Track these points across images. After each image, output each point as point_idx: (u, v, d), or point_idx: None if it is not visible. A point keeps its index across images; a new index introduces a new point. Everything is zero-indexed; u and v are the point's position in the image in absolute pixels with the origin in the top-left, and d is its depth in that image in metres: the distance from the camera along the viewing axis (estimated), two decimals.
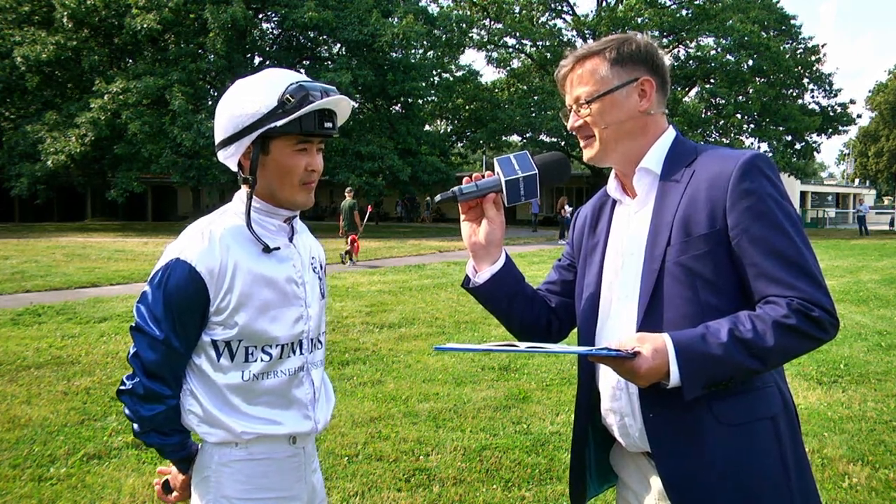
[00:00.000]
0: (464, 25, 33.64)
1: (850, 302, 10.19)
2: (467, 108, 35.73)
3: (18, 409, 4.88)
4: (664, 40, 34.39)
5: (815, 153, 37.09)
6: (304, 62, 30.33)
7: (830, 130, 36.38)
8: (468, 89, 34.88)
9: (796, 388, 5.51)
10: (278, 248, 1.63)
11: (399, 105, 32.15)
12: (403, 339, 7.39)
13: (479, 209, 1.63)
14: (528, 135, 34.93)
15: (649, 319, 1.45)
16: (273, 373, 1.62)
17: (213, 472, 1.60)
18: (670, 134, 1.57)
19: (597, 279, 1.61)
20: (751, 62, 33.65)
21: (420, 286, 11.69)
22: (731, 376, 1.36)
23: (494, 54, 37.92)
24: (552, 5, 37.33)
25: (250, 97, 1.54)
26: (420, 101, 33.12)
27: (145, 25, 24.23)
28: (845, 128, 37.36)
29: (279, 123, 1.51)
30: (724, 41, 33.88)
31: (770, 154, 31.34)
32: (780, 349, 1.33)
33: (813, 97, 37.08)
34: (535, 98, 34.70)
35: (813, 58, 36.01)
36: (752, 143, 35.33)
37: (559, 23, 37.58)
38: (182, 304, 1.53)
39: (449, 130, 39.27)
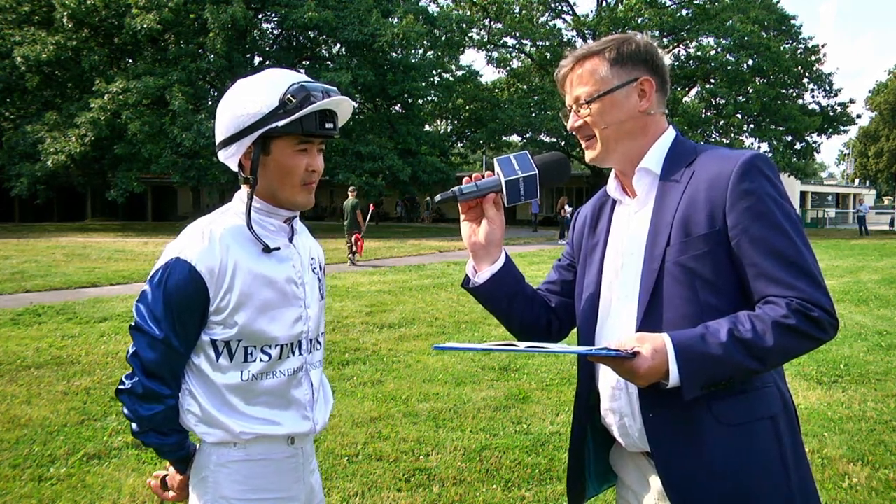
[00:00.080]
0: (464, 25, 33.64)
1: (850, 302, 10.19)
2: (467, 108, 35.74)
3: (18, 409, 4.88)
4: (664, 40, 34.39)
5: (815, 153, 37.08)
6: (304, 62, 30.32)
7: (830, 130, 36.36)
8: (468, 89, 34.89)
9: (796, 388, 5.51)
10: (278, 249, 1.63)
11: (399, 105, 32.15)
12: (403, 339, 7.39)
13: (479, 209, 1.63)
14: (528, 135, 34.94)
15: (649, 319, 1.45)
16: (272, 373, 1.62)
17: (212, 473, 1.60)
18: (670, 134, 1.57)
19: (596, 279, 1.61)
20: (751, 62, 33.64)
21: (420, 286, 11.69)
22: (731, 376, 1.36)
23: (494, 54, 37.95)
24: (552, 5, 37.33)
25: (252, 97, 1.54)
26: (420, 101, 33.13)
27: (145, 25, 24.22)
28: (845, 128, 37.36)
29: (280, 123, 1.51)
30: (724, 41, 33.88)
31: (770, 154, 31.35)
32: (779, 349, 1.33)
33: (813, 97, 37.12)
34: (535, 98, 34.71)
35: (813, 58, 36.00)
36: (752, 143, 35.33)
37: (559, 23, 37.63)
38: (182, 304, 1.53)
39: (449, 130, 39.28)
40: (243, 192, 1.63)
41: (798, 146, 35.70)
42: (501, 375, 5.88)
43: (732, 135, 34.64)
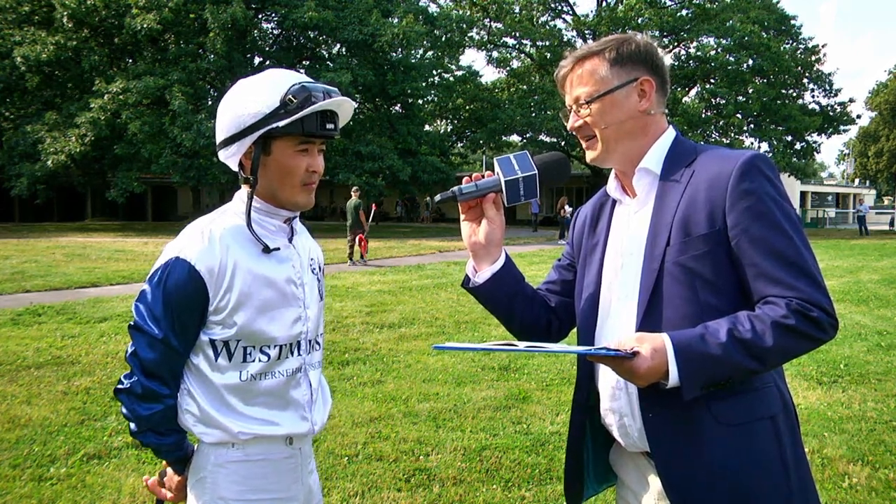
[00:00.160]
0: (464, 25, 33.63)
1: (850, 302, 10.19)
2: (467, 108, 35.74)
3: (18, 409, 4.88)
4: (664, 40, 34.41)
5: (815, 153, 37.09)
6: (304, 62, 30.33)
7: (830, 130, 36.37)
8: (468, 89, 34.89)
9: (796, 388, 5.51)
10: (278, 249, 1.63)
11: (399, 105, 32.16)
12: (403, 339, 7.39)
13: (479, 209, 1.63)
14: (528, 135, 34.94)
15: (649, 319, 1.45)
16: (271, 373, 1.61)
17: (210, 473, 1.59)
18: (670, 134, 1.57)
19: (596, 279, 1.61)
20: (751, 62, 33.64)
21: (420, 286, 11.69)
22: (730, 376, 1.36)
23: (495, 54, 37.96)
24: (552, 5, 37.33)
25: (253, 97, 1.54)
26: (420, 101, 33.13)
27: (145, 25, 24.22)
28: (845, 127, 37.36)
29: (281, 124, 1.51)
30: (724, 41, 33.88)
31: (770, 154, 31.34)
32: (779, 349, 1.33)
33: (813, 97, 37.14)
34: (535, 98, 34.70)
35: (813, 58, 36.01)
36: (752, 143, 35.33)
37: (559, 23, 37.64)
38: (181, 303, 1.53)
39: (449, 130, 39.28)
40: (243, 192, 1.63)
41: (798, 146, 35.70)
42: (501, 375, 5.88)
43: (732, 135, 34.65)
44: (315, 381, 1.72)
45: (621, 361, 1.34)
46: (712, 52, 34.12)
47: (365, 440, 4.33)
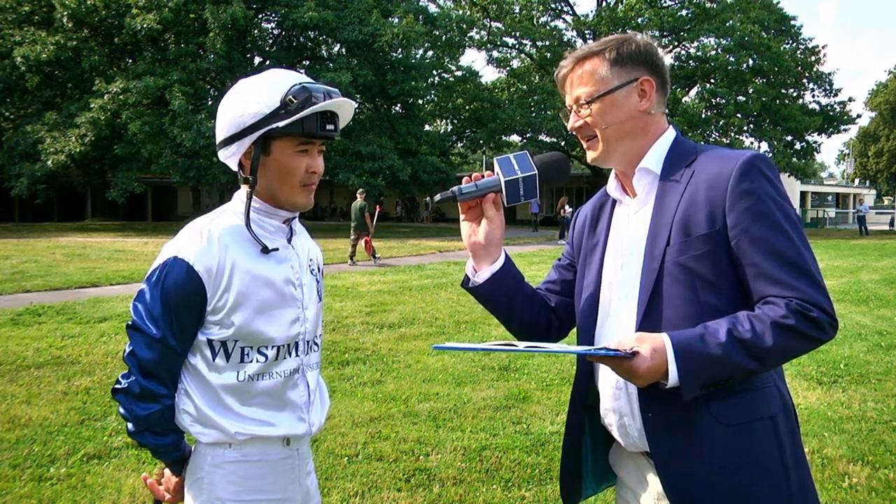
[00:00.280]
0: (464, 25, 33.64)
1: (850, 302, 10.19)
2: (467, 108, 35.73)
3: (18, 409, 4.88)
4: (664, 40, 34.41)
5: (815, 153, 37.10)
6: (304, 62, 30.33)
7: (830, 130, 36.39)
8: (468, 89, 34.88)
9: (796, 388, 5.51)
10: (276, 249, 1.63)
11: (399, 105, 32.15)
12: (403, 339, 7.39)
13: (479, 209, 1.63)
14: (528, 135, 34.93)
15: (649, 319, 1.45)
16: (268, 374, 1.61)
17: (207, 474, 1.59)
18: (670, 134, 1.57)
19: (596, 279, 1.61)
20: (751, 62, 33.64)
21: (420, 286, 11.69)
22: (730, 376, 1.36)
23: (495, 54, 37.96)
24: (552, 5, 37.33)
25: (253, 97, 1.54)
26: (420, 101, 33.12)
27: (145, 25, 24.21)
28: (845, 127, 37.38)
29: (281, 124, 1.51)
30: (724, 41, 33.88)
31: (770, 154, 31.34)
32: (778, 349, 1.33)
33: (813, 96, 37.15)
34: (535, 98, 34.70)
35: (812, 58, 36.03)
36: (752, 143, 35.34)
37: (559, 23, 37.64)
38: (179, 303, 1.52)
39: (449, 130, 39.28)
40: (243, 192, 1.63)
41: (798, 146, 35.71)
42: (501, 375, 5.88)
43: (732, 135, 34.64)
44: (313, 382, 1.72)
45: (621, 361, 1.34)
46: (712, 52, 34.12)
47: (365, 440, 4.33)
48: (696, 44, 35.38)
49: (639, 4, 32.89)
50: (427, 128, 35.44)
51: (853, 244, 24.33)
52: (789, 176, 34.20)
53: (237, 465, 1.59)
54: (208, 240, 1.55)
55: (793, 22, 36.24)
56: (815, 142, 36.39)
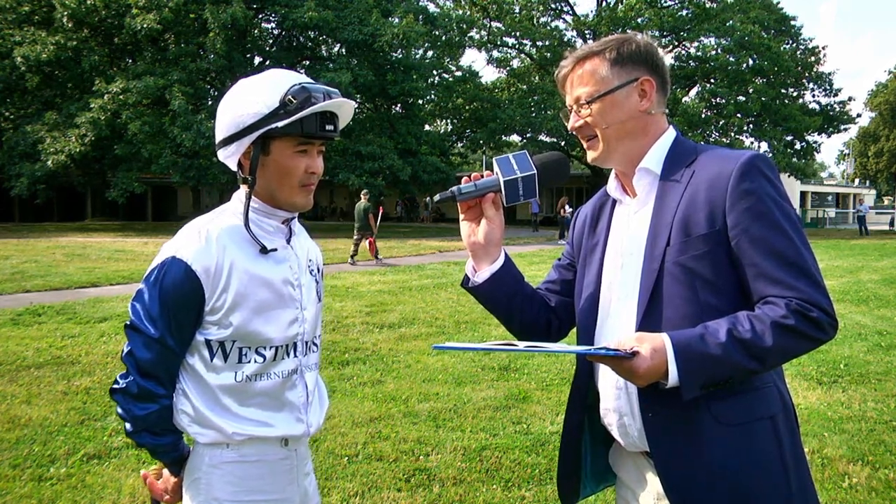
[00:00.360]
0: (464, 25, 33.65)
1: (850, 302, 10.19)
2: (467, 108, 35.73)
3: (18, 409, 4.88)
4: (664, 40, 34.41)
5: (815, 153, 37.11)
6: (304, 62, 30.33)
7: (830, 130, 36.40)
8: (468, 89, 34.88)
9: (796, 388, 5.51)
10: (275, 250, 1.62)
11: (399, 105, 32.15)
12: (403, 339, 7.39)
13: (479, 209, 1.63)
14: (528, 135, 34.93)
15: (648, 319, 1.45)
16: (266, 374, 1.60)
17: (204, 474, 1.59)
18: (670, 134, 1.57)
19: (596, 279, 1.61)
20: (751, 62, 33.65)
21: (420, 286, 11.69)
22: (730, 376, 1.36)
23: (495, 54, 37.96)
24: (552, 5, 37.33)
25: (252, 97, 1.53)
26: (420, 101, 33.11)
27: (145, 25, 24.21)
28: (845, 126, 37.39)
29: (280, 124, 1.50)
30: (724, 41, 33.88)
31: (770, 154, 31.34)
32: (778, 349, 1.33)
33: (813, 96, 37.17)
34: (535, 98, 34.71)
35: (812, 59, 36.04)
36: (752, 143, 35.34)
37: (559, 23, 37.64)
38: (178, 303, 1.52)
39: (449, 130, 39.28)
40: (242, 192, 1.62)
41: (798, 146, 35.72)
42: (501, 375, 5.88)
43: (732, 135, 34.64)
44: (311, 383, 1.71)
45: (621, 361, 1.34)
46: (712, 52, 34.13)
47: (365, 440, 4.33)
48: (696, 44, 35.40)
49: (639, 4, 32.89)
50: (427, 128, 35.44)
51: (853, 244, 24.33)
52: (789, 176, 34.20)
53: (235, 465, 1.59)
54: (206, 240, 1.54)
55: (793, 22, 36.27)
56: (815, 142, 36.41)
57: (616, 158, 1.57)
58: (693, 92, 36.67)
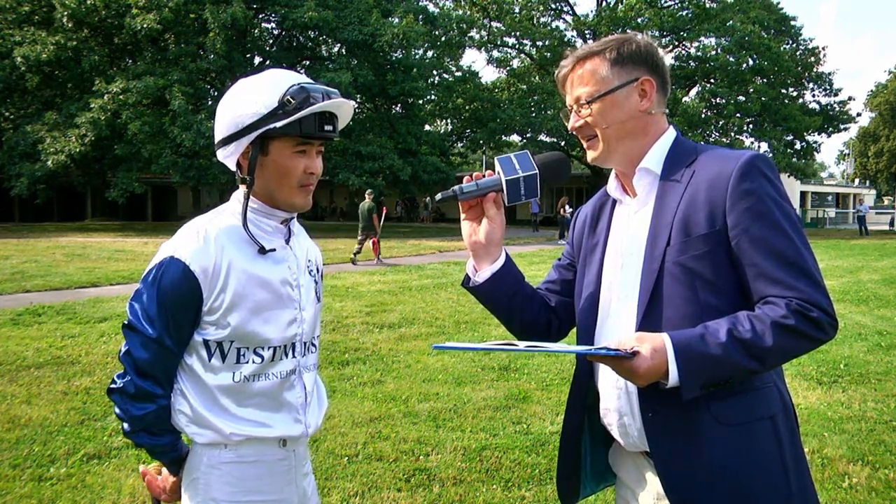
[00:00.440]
0: (464, 25, 33.64)
1: (850, 302, 10.19)
2: (467, 108, 35.74)
3: (18, 409, 4.88)
4: (664, 40, 34.41)
5: (815, 153, 37.12)
6: (304, 62, 30.33)
7: (830, 129, 36.41)
8: (468, 89, 34.89)
9: (796, 388, 5.51)
10: (273, 250, 1.62)
11: (399, 105, 32.15)
12: (403, 339, 7.39)
13: (480, 208, 1.63)
14: (528, 135, 34.94)
15: (649, 319, 1.45)
16: (264, 375, 1.60)
17: (202, 474, 1.59)
18: (671, 134, 1.57)
19: (596, 279, 1.61)
20: (751, 62, 33.65)
21: (420, 286, 11.69)
22: (730, 376, 1.36)
23: (495, 54, 37.97)
24: (552, 5, 37.33)
25: (251, 97, 1.53)
26: (420, 101, 33.12)
27: (145, 25, 24.21)
28: (845, 126, 37.39)
29: (279, 124, 1.50)
30: (724, 41, 33.89)
31: (770, 154, 31.35)
32: (778, 349, 1.33)
33: (813, 96, 37.17)
34: (535, 98, 34.71)
35: (812, 59, 36.05)
36: (752, 143, 35.34)
37: (559, 23, 37.64)
38: (176, 303, 1.52)
39: (449, 130, 39.28)
40: (240, 192, 1.62)
41: (798, 146, 35.73)
42: (501, 375, 5.88)
43: (732, 135, 34.64)
44: (310, 384, 1.71)
45: (621, 361, 1.34)
46: (712, 52, 34.13)
47: (365, 440, 4.33)
48: (696, 44, 35.41)
49: (639, 4, 32.89)
50: (427, 128, 35.44)
51: (853, 244, 24.33)
52: (789, 176, 34.20)
53: (233, 465, 1.59)
54: (205, 240, 1.54)
55: (793, 22, 36.27)
56: (815, 142, 36.41)
57: (616, 158, 1.57)
58: (693, 92, 36.69)
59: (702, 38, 34.83)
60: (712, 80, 34.94)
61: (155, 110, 25.88)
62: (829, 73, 36.47)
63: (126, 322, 1.55)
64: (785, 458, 1.42)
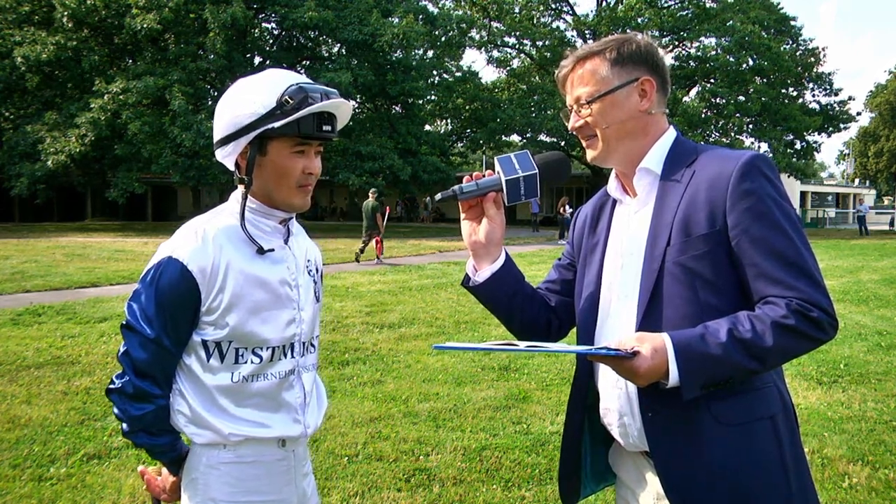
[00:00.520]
0: (464, 25, 33.63)
1: (850, 302, 10.19)
2: (467, 108, 35.74)
3: (18, 409, 4.88)
4: (664, 40, 34.41)
5: (815, 153, 37.12)
6: (304, 62, 30.33)
7: (830, 129, 36.41)
8: (468, 89, 34.89)
9: (796, 388, 5.51)
10: (272, 250, 1.62)
11: (399, 105, 32.14)
12: (403, 339, 7.39)
13: (480, 208, 1.63)
14: (528, 135, 34.94)
15: (649, 319, 1.45)
16: (263, 375, 1.60)
17: (202, 475, 1.59)
18: (671, 134, 1.57)
19: (596, 279, 1.61)
20: (751, 62, 33.65)
21: (420, 286, 11.69)
22: (730, 376, 1.36)
23: (495, 54, 37.97)
24: (552, 5, 37.33)
25: (250, 97, 1.53)
26: (420, 101, 33.12)
27: (145, 25, 24.21)
28: (845, 125, 37.38)
29: (277, 125, 1.50)
30: (724, 41, 33.89)
31: (770, 154, 31.35)
32: (778, 349, 1.33)
33: (813, 96, 37.17)
34: (535, 98, 34.71)
35: (812, 59, 36.05)
36: (752, 143, 35.34)
37: (559, 23, 37.64)
38: (174, 303, 1.52)
39: (449, 130, 39.28)
40: (239, 192, 1.61)
41: (798, 146, 35.72)
42: (501, 375, 5.88)
43: (732, 135, 34.65)
44: (309, 384, 1.71)
45: (621, 361, 1.34)
46: (712, 52, 34.13)
47: (365, 440, 4.33)
48: (696, 44, 35.40)
49: (639, 4, 32.90)
50: (427, 128, 35.43)
51: (853, 244, 24.33)
52: (789, 176, 34.20)
53: (232, 466, 1.59)
54: (203, 240, 1.54)
55: (793, 22, 36.27)
56: (815, 142, 36.41)
57: (616, 158, 1.57)
58: (693, 92, 36.68)
59: (702, 38, 34.84)
60: (712, 80, 34.94)
61: (155, 110, 25.88)
62: (829, 73, 36.50)
63: (124, 322, 1.54)
64: (785, 458, 1.42)
